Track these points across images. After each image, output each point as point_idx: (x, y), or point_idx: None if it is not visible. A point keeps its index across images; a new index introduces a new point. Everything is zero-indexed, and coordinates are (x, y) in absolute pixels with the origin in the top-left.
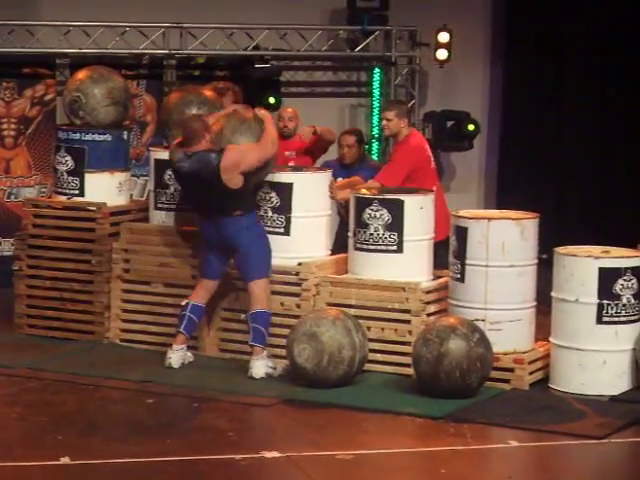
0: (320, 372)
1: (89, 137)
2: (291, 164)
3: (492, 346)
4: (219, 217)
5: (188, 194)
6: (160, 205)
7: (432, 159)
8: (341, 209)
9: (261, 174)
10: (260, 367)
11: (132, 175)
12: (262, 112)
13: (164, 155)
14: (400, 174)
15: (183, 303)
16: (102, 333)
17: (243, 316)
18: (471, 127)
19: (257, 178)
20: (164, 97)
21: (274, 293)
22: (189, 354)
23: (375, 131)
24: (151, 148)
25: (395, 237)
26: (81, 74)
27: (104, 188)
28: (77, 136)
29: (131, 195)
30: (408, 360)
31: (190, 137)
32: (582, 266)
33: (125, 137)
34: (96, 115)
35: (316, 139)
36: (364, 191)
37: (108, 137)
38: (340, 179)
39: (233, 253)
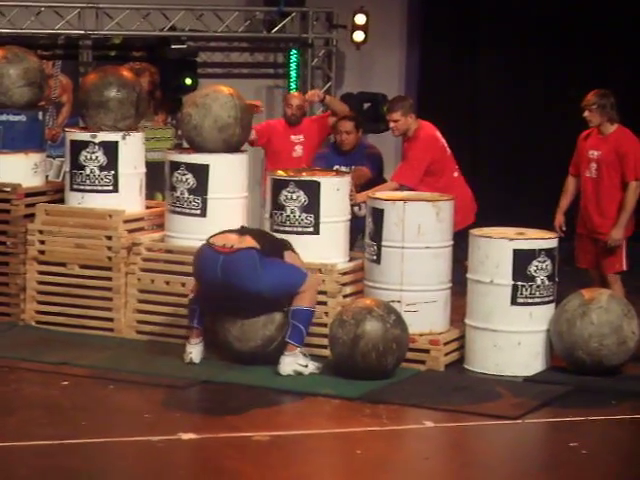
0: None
1: (4, 117)
2: (298, 147)
3: (408, 327)
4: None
5: None
6: (76, 186)
7: (446, 146)
8: (356, 209)
9: None
10: (288, 364)
11: (48, 156)
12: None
13: (80, 136)
14: (417, 171)
15: (191, 296)
16: (18, 315)
17: (285, 309)
18: None
19: None
20: (80, 78)
21: (190, 274)
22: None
23: None
24: (67, 129)
25: (311, 219)
26: None
27: (19, 169)
28: None
29: (47, 176)
30: (324, 341)
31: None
32: (497, 248)
33: (40, 118)
34: (11, 95)
35: (327, 114)
36: (280, 172)
37: (23, 118)
38: (337, 167)
39: (261, 300)
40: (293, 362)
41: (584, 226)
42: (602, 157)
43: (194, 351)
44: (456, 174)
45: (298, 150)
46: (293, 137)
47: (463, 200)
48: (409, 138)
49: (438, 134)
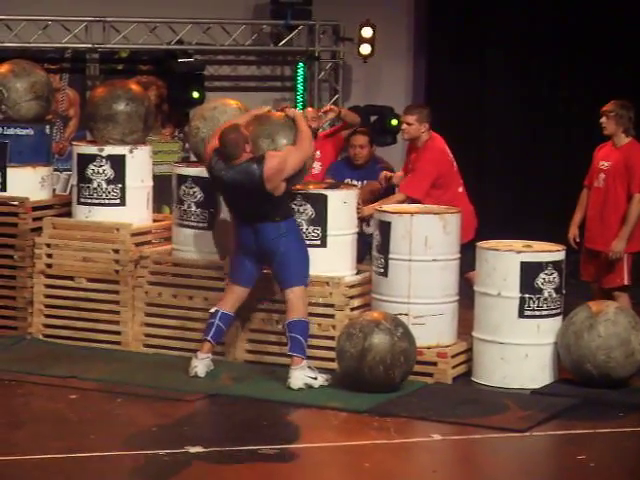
0: None
1: (11, 131)
2: (317, 164)
3: (415, 340)
4: (259, 223)
5: (227, 201)
6: (83, 200)
7: (453, 160)
8: (364, 224)
9: (299, 176)
10: (298, 378)
11: (55, 170)
12: (291, 110)
13: (87, 150)
14: (425, 183)
15: (212, 310)
16: (25, 328)
17: (280, 326)
18: (394, 122)
19: (295, 180)
20: (87, 91)
21: (197, 288)
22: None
23: None
24: (74, 142)
25: (319, 232)
26: (3, 68)
27: (26, 183)
28: None
29: (54, 190)
30: (332, 354)
31: (230, 152)
32: (504, 260)
33: (48, 131)
34: (18, 109)
35: (340, 126)
36: None
37: (30, 131)
38: (348, 180)
39: (270, 261)
40: (303, 375)
41: (588, 238)
42: (610, 168)
43: (200, 365)
44: (460, 189)
45: (316, 167)
46: None
47: (465, 215)
48: (418, 149)
49: (447, 148)
